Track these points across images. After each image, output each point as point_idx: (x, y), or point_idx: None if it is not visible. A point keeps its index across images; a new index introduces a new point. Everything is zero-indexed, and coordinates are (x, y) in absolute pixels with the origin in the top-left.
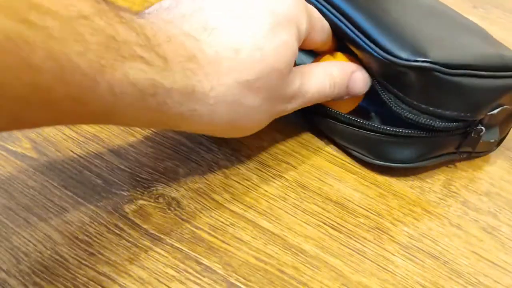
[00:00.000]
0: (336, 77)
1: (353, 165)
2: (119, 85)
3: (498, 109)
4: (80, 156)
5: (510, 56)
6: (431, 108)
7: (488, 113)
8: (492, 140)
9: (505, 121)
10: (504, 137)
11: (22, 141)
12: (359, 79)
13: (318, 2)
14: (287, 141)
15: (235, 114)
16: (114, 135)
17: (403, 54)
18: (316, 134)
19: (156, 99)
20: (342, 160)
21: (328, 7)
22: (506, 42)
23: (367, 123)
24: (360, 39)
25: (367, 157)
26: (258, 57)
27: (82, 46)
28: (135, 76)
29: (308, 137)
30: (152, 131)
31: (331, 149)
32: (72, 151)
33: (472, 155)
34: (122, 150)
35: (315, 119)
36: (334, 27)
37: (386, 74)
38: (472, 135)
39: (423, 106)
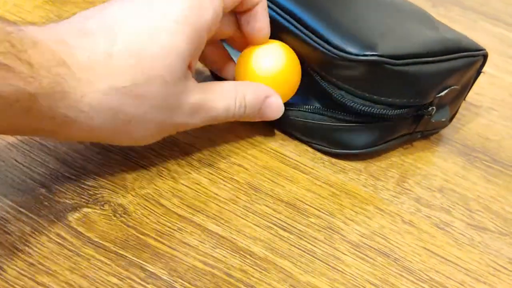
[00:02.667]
0: (248, 99)
1: (306, 166)
2: None
3: (446, 90)
4: (24, 165)
5: (452, 38)
6: (382, 98)
7: (437, 95)
8: (444, 119)
9: (454, 99)
10: (456, 113)
11: None
12: (273, 105)
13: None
14: (239, 142)
15: (117, 121)
16: (60, 143)
17: (353, 49)
18: (270, 134)
19: (21, 104)
20: (295, 161)
21: (269, 4)
22: None
23: (321, 113)
24: (307, 36)
25: (327, 147)
26: (133, 62)
27: None
28: None
29: (261, 139)
30: None
31: (284, 150)
32: (15, 160)
33: (425, 134)
34: (68, 157)
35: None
36: (276, 24)
37: (335, 70)
38: (424, 117)
39: (375, 97)
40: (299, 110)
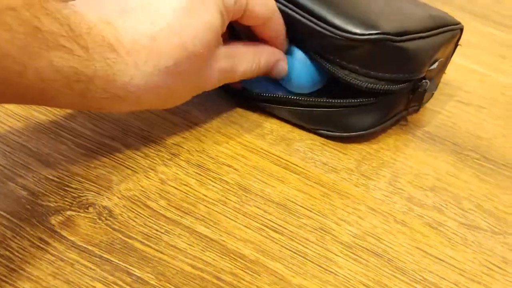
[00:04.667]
0: (262, 63)
1: (297, 166)
2: (45, 72)
3: (436, 63)
4: (5, 167)
5: (438, 14)
6: (386, 75)
7: (429, 69)
8: (433, 92)
9: (439, 72)
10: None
11: None
12: (280, 68)
13: None
14: (228, 143)
15: (161, 95)
16: (43, 144)
17: (357, 30)
18: (259, 134)
19: (80, 86)
20: (285, 160)
21: None
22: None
23: (328, 100)
24: (309, 20)
25: (333, 132)
26: (176, 43)
27: (10, 35)
28: (59, 64)
29: (251, 138)
30: (86, 138)
31: (274, 150)
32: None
33: (415, 109)
34: (51, 159)
35: (275, 111)
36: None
37: (340, 51)
38: (419, 90)
39: (379, 74)
40: (305, 100)
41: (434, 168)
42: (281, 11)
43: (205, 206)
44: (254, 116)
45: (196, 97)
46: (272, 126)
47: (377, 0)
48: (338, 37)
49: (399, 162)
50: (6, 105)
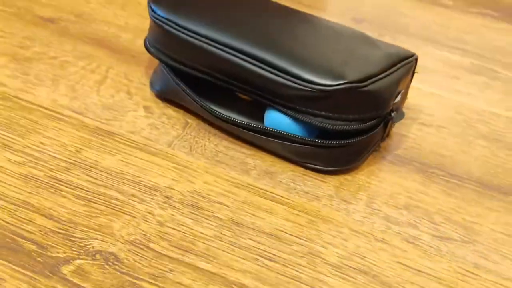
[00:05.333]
0: None
1: (282, 197)
2: None
3: (399, 96)
4: (12, 224)
5: (393, 52)
6: (357, 116)
7: (394, 102)
8: (401, 119)
9: (402, 100)
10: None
11: None
12: None
13: (222, 49)
14: (217, 181)
15: None
16: (44, 199)
17: (327, 81)
18: (244, 170)
19: None
20: (271, 193)
21: (233, 52)
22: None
23: (315, 141)
24: (278, 75)
25: (321, 166)
26: None
27: None
28: None
29: (237, 175)
30: (83, 189)
31: (260, 184)
32: (2, 220)
33: (385, 137)
34: (54, 212)
35: (268, 144)
36: (244, 68)
37: (311, 101)
38: (389, 122)
39: (350, 116)
40: (291, 139)
41: (405, 188)
42: (239, 65)
43: (203, 243)
44: (237, 154)
45: (179, 139)
46: (255, 161)
47: (333, 43)
48: (308, 89)
49: (373, 185)
50: (3, 164)
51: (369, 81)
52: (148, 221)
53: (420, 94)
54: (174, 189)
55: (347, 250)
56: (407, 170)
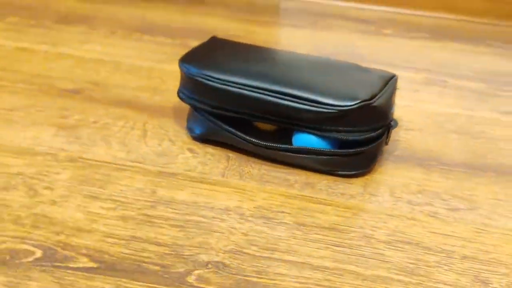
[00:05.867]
0: None
1: (326, 200)
2: None
3: (393, 107)
4: (131, 254)
5: (382, 73)
6: (368, 127)
7: (392, 112)
8: (397, 126)
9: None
10: None
11: (79, 258)
12: None
13: (254, 91)
14: (272, 196)
15: None
16: (147, 231)
17: (345, 103)
18: (290, 185)
19: None
20: (317, 198)
21: (263, 92)
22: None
23: (343, 151)
24: (305, 104)
25: (350, 171)
26: None
27: None
28: None
29: (284, 189)
30: (172, 219)
31: (306, 193)
32: (122, 252)
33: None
34: (160, 240)
35: (302, 161)
36: (272, 103)
37: (334, 121)
38: (390, 130)
39: (364, 128)
40: (321, 153)
41: (413, 178)
42: (270, 101)
43: (283, 242)
44: (278, 174)
45: (228, 169)
46: (294, 177)
47: (336, 73)
48: (331, 110)
49: (389, 180)
50: (100, 211)
51: (375, 98)
52: (234, 234)
53: (396, 107)
54: (243, 207)
55: (390, 229)
56: (409, 165)
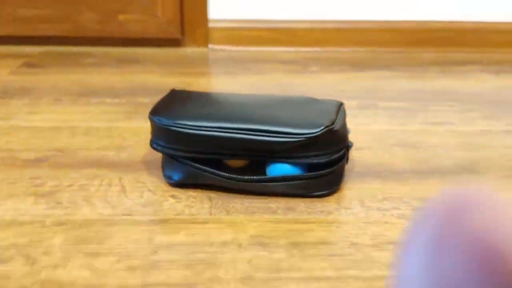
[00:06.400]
0: None
1: (310, 219)
2: None
3: (348, 130)
4: None
5: (332, 102)
6: (335, 149)
7: (348, 134)
8: (352, 145)
9: None
10: None
11: None
12: None
13: (239, 132)
14: (261, 224)
15: None
16: (157, 275)
17: (312, 130)
18: (273, 212)
19: None
20: (301, 219)
21: (238, 131)
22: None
23: (316, 173)
24: (277, 137)
25: (322, 191)
26: None
27: None
28: None
29: (270, 216)
30: (177, 261)
31: (290, 217)
32: None
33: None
34: (172, 280)
35: (278, 188)
36: (243, 140)
37: (304, 148)
38: (349, 150)
39: (331, 150)
40: (297, 178)
41: (375, 188)
42: (244, 139)
43: (285, 262)
44: (260, 204)
45: (214, 208)
46: (276, 204)
47: (296, 106)
48: (301, 139)
49: (356, 194)
50: (105, 266)
51: (335, 123)
52: (239, 263)
53: None
54: (239, 239)
55: (371, 234)
56: (369, 179)
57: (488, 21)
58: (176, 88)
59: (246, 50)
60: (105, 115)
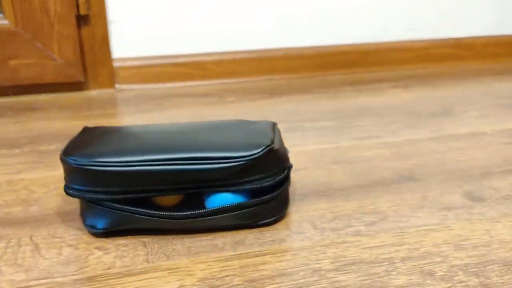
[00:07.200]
0: None
1: (261, 251)
2: None
3: (288, 149)
4: None
5: (266, 123)
6: (276, 170)
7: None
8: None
9: None
10: None
11: None
12: None
13: (169, 163)
14: (210, 265)
15: None
16: None
17: (253, 151)
18: (220, 249)
19: None
20: (252, 252)
21: (169, 162)
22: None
23: (261, 198)
24: (214, 163)
25: (269, 219)
26: None
27: None
28: None
29: (218, 255)
30: None
31: (239, 252)
32: None
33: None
34: None
35: (223, 221)
36: (177, 173)
37: (246, 172)
38: (290, 170)
39: (273, 171)
40: (241, 207)
41: (323, 209)
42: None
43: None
44: (203, 242)
45: (150, 254)
46: (221, 240)
47: (229, 130)
48: (243, 162)
49: (305, 216)
50: None
51: (274, 143)
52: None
53: None
54: (186, 285)
55: (331, 257)
56: (313, 199)
57: (388, 41)
58: (88, 126)
59: (156, 87)
60: (5, 167)
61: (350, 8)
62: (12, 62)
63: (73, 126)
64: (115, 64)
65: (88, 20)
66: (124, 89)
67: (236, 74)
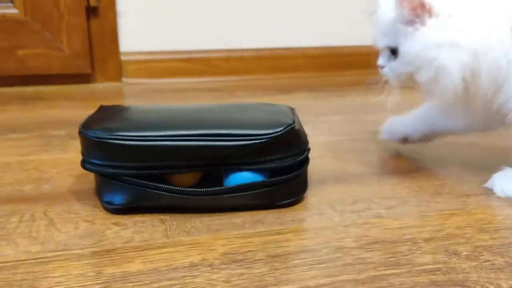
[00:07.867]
0: None
1: (283, 229)
2: None
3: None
4: None
5: (282, 105)
6: (300, 149)
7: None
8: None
9: None
10: None
11: None
12: None
13: (190, 138)
14: (230, 241)
15: None
16: None
17: (276, 129)
18: (240, 227)
19: None
20: (274, 230)
21: (194, 138)
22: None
23: (281, 177)
24: (238, 140)
25: (289, 199)
26: None
27: None
28: None
29: (238, 232)
30: None
31: (260, 230)
32: None
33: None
34: None
35: (242, 199)
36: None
37: (268, 150)
38: (309, 153)
39: (294, 151)
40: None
41: (342, 192)
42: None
43: (269, 276)
44: (222, 220)
45: (169, 230)
46: (240, 219)
47: (252, 111)
48: (265, 139)
49: (324, 199)
50: None
51: (294, 123)
52: (216, 285)
53: None
54: (208, 259)
55: (353, 236)
56: (330, 184)
57: None
58: (105, 104)
59: (164, 82)
60: (14, 149)
61: (357, 10)
62: (20, 52)
63: (82, 115)
64: (123, 57)
65: (98, 13)
66: (131, 83)
67: (242, 72)
